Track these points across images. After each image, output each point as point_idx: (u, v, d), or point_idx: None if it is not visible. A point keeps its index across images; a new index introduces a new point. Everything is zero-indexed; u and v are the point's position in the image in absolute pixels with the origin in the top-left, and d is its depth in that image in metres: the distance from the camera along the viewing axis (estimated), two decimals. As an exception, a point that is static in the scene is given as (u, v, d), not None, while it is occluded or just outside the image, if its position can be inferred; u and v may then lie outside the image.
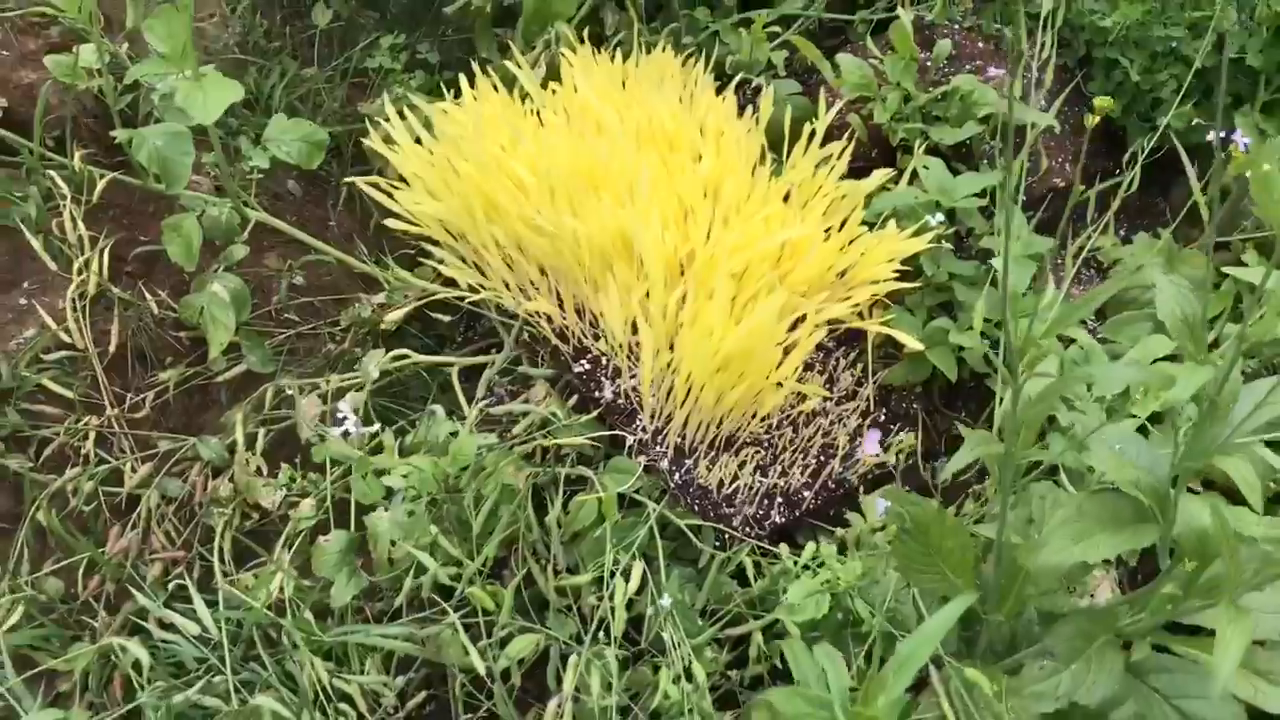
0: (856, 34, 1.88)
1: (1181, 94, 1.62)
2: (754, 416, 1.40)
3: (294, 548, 1.46)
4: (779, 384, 1.36)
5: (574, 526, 1.37)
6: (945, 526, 1.14)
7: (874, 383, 1.49)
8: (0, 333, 1.57)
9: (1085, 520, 1.02)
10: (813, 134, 1.53)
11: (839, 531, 1.39)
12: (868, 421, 1.49)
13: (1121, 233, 1.81)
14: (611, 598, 1.28)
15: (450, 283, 1.68)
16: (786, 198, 1.47)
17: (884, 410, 1.51)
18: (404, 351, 1.56)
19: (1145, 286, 1.60)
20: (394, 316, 1.57)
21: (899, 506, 1.14)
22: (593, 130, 1.55)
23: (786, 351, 1.34)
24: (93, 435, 1.55)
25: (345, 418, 1.34)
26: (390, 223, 1.60)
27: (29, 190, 1.58)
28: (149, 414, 1.61)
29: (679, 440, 1.41)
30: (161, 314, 1.65)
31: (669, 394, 1.39)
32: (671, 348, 1.37)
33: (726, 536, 1.39)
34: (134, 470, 1.54)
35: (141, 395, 1.61)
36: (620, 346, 1.45)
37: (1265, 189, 0.85)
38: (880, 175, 1.52)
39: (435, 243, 1.64)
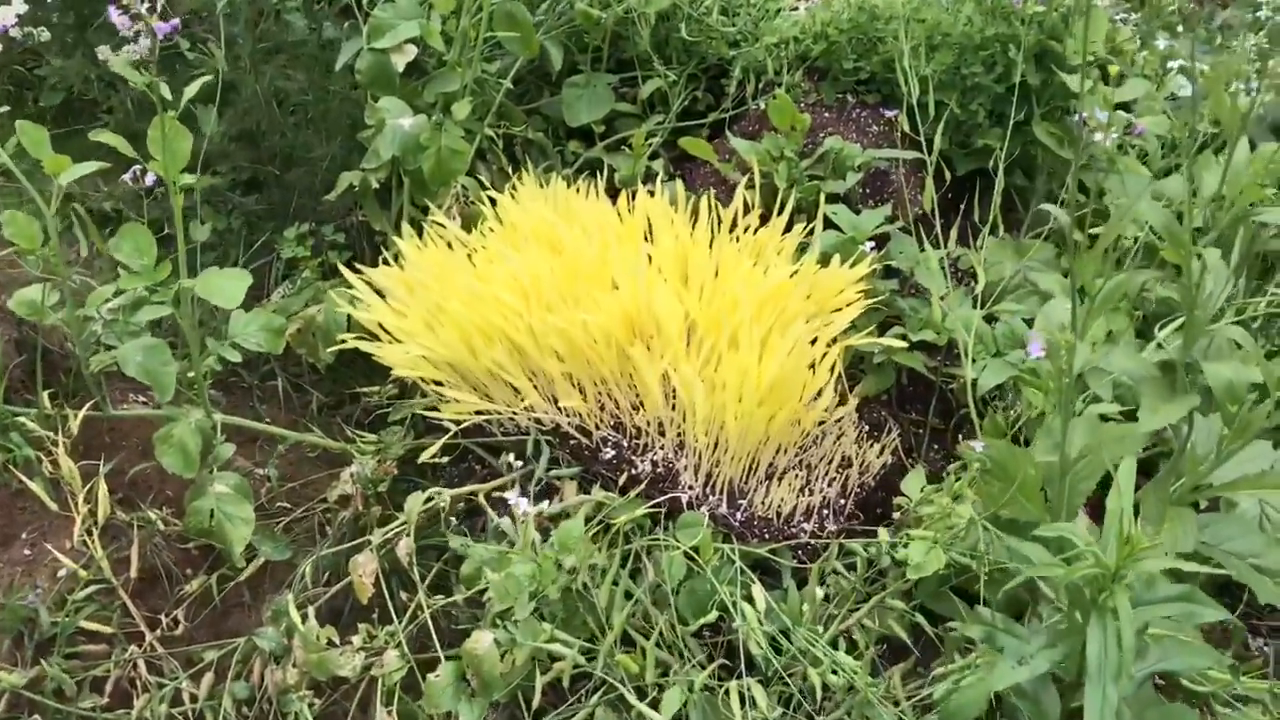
0: (700, 137, 2.16)
1: (989, 118, 1.99)
2: (792, 442, 1.57)
3: (394, 704, 1.47)
4: (815, 399, 1.54)
5: (672, 584, 1.47)
6: (1020, 459, 1.36)
7: (855, 396, 1.70)
8: (13, 587, 1.50)
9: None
10: (745, 208, 1.76)
11: (896, 515, 1.57)
12: (858, 431, 1.69)
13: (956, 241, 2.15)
14: (731, 631, 1.40)
15: (432, 427, 1.75)
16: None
17: (862, 421, 1.72)
18: (439, 489, 1.62)
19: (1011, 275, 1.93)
20: (431, 451, 1.62)
21: (984, 451, 1.34)
22: (546, 247, 1.71)
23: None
24: (142, 663, 1.50)
25: (512, 501, 1.39)
26: (400, 371, 1.67)
27: (11, 438, 1.54)
28: (185, 629, 1.57)
29: (728, 484, 1.55)
30: (168, 529, 1.63)
31: (715, 443, 1.54)
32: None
33: (801, 554, 1.53)
34: (194, 685, 1.50)
35: (173, 613, 1.57)
36: (650, 422, 1.58)
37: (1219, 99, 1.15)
38: (799, 228, 1.76)
39: (404, 392, 1.72)
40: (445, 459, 1.73)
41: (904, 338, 1.71)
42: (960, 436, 1.84)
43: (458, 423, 1.68)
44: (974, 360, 1.66)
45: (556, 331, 1.57)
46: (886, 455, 1.67)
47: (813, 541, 1.54)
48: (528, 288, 1.61)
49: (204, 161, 2.24)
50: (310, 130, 2.26)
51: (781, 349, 1.48)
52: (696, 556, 1.47)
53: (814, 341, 1.53)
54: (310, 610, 1.57)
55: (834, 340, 1.58)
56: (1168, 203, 1.85)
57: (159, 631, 1.55)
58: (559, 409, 1.61)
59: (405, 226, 1.98)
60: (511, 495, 1.42)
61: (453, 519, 1.70)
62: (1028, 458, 1.35)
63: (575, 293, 1.59)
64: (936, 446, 1.85)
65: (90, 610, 1.50)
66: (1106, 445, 1.30)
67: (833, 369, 1.55)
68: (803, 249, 1.77)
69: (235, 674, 1.54)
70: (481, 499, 1.67)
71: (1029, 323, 1.75)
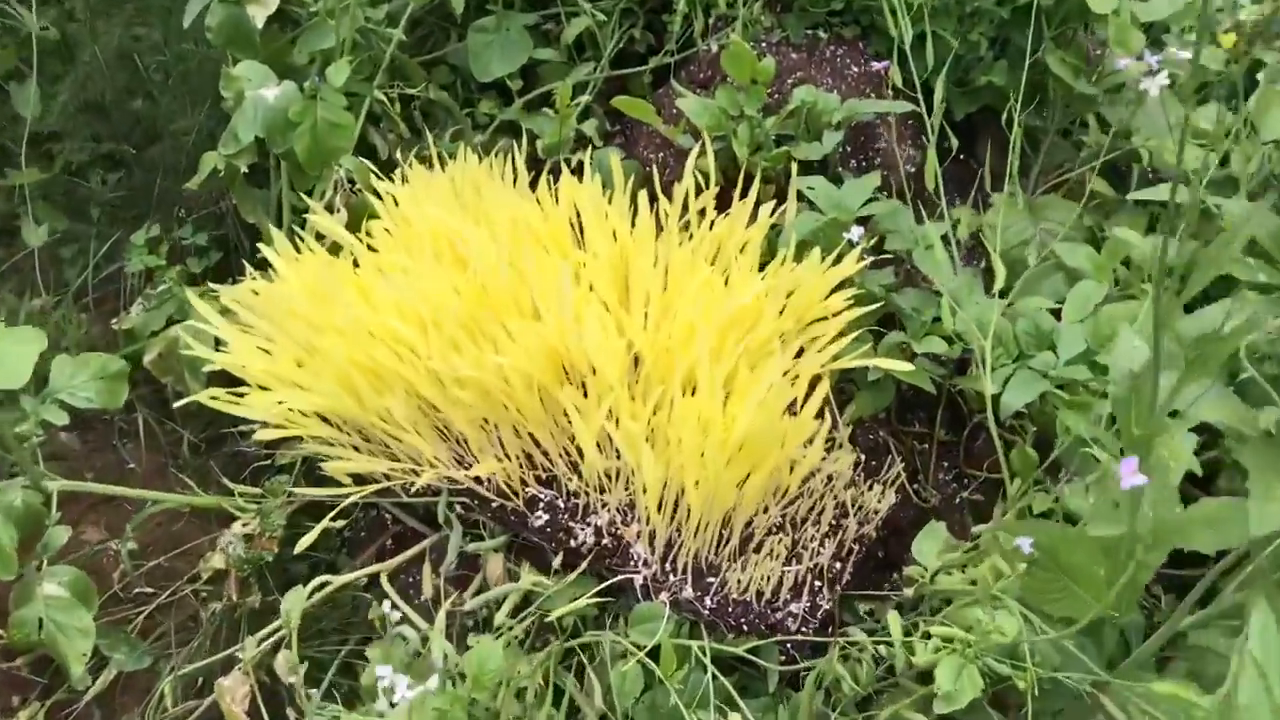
0: (641, 87, 1.77)
1: (992, 49, 1.61)
2: (773, 500, 1.23)
3: None
4: (798, 456, 1.20)
5: (624, 701, 1.14)
6: (1071, 542, 1.03)
7: (846, 423, 1.36)
8: None
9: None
10: (702, 189, 1.39)
11: (897, 593, 1.24)
12: (854, 465, 1.35)
13: (957, 201, 1.79)
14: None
15: (323, 481, 1.41)
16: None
17: (857, 448, 1.38)
18: (326, 579, 1.28)
19: (1023, 243, 1.57)
20: (307, 540, 1.27)
21: (1021, 535, 1.01)
22: (450, 257, 1.34)
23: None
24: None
25: (388, 683, 1.05)
26: (263, 434, 1.31)
27: None
28: (16, 775, 1.24)
29: (693, 559, 1.22)
30: (-15, 649, 1.29)
31: (674, 511, 1.20)
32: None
33: (791, 648, 1.21)
34: None
35: (-2, 757, 1.24)
36: (590, 481, 1.24)
37: None
38: (766, 213, 1.39)
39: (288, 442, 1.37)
40: (339, 523, 1.39)
41: (904, 347, 1.37)
42: (973, 449, 1.52)
43: (356, 476, 1.34)
44: (993, 369, 1.32)
45: (464, 377, 1.21)
46: (889, 494, 1.33)
47: (804, 631, 1.21)
48: (426, 317, 1.25)
49: (40, 144, 1.86)
50: (170, 97, 1.86)
51: (753, 392, 1.13)
52: (656, 663, 1.15)
53: (794, 379, 1.18)
54: (172, 742, 1.25)
55: (818, 374, 1.23)
56: (1205, 143, 1.51)
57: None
58: (469, 472, 1.26)
59: (282, 223, 1.60)
60: (383, 671, 1.07)
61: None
62: (1085, 542, 1.02)
63: (486, 322, 1.23)
64: (946, 464, 1.52)
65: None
66: (1192, 530, 0.97)
67: (821, 410, 1.20)
68: (774, 233, 1.41)
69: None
70: (384, 582, 1.33)
71: (1056, 314, 1.41)
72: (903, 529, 1.43)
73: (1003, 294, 1.40)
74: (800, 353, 1.25)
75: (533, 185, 1.50)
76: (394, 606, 1.24)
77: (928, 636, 1.11)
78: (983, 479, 1.50)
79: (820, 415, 1.20)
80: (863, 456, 1.38)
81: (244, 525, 1.43)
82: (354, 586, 1.36)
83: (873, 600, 1.34)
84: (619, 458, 1.22)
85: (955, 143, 1.51)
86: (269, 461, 1.50)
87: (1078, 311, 1.40)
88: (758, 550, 1.24)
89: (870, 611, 1.34)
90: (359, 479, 1.34)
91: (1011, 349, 1.38)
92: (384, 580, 1.32)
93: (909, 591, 1.19)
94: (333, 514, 1.29)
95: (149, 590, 1.42)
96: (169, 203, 1.80)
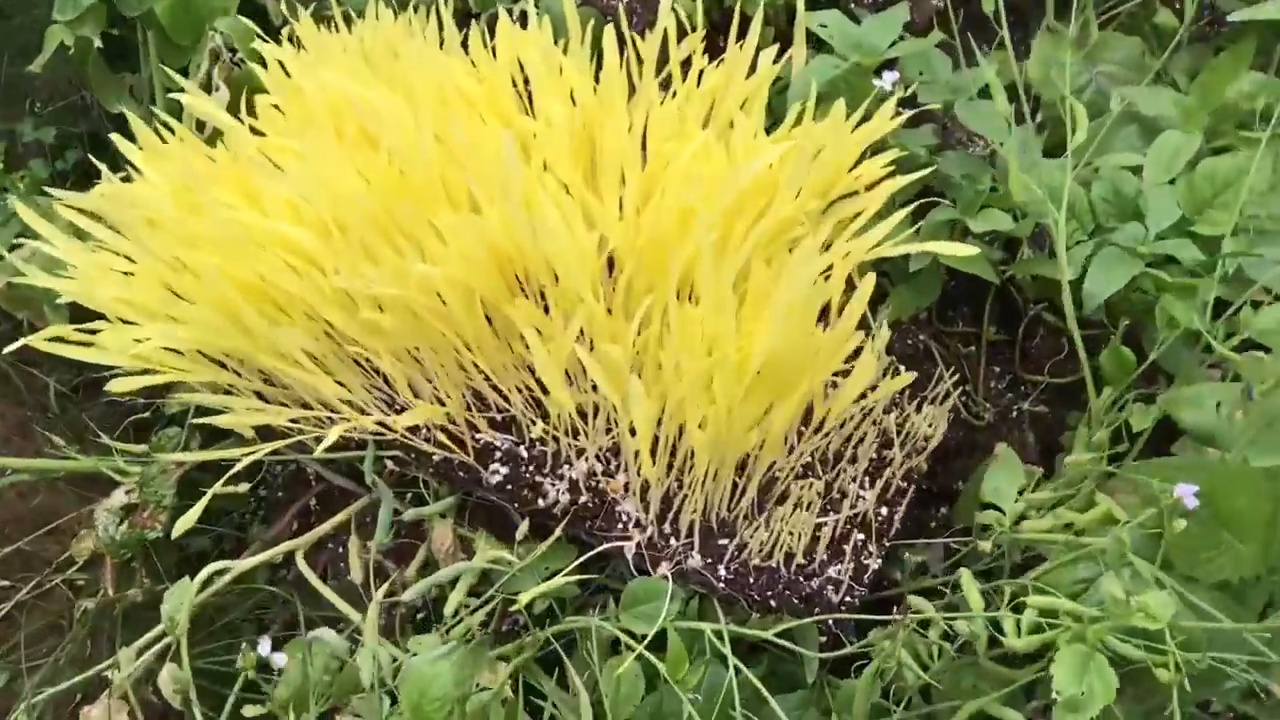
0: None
1: None
2: (799, 437, 0.94)
3: None
4: (835, 381, 0.91)
5: (621, 710, 0.86)
6: (1234, 481, 0.74)
7: (879, 326, 1.06)
8: None
9: None
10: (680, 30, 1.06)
11: (956, 538, 0.96)
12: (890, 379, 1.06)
13: (983, 49, 1.47)
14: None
15: (219, 434, 1.12)
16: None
17: (892, 358, 1.09)
18: (222, 565, 0.98)
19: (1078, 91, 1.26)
20: (188, 520, 0.96)
21: (1183, 480, 0.72)
22: (356, 136, 1.02)
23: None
24: None
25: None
26: (116, 385, 0.99)
27: None
28: None
29: (701, 515, 0.93)
30: None
31: (671, 457, 0.91)
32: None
33: (833, 625, 0.93)
34: None
35: None
36: (560, 421, 0.94)
37: None
38: (768, 60, 1.07)
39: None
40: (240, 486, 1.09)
41: (955, 226, 1.07)
42: (1030, 349, 1.23)
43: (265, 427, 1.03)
44: (1068, 248, 1.03)
45: (382, 295, 0.90)
46: (943, 416, 1.04)
47: (850, 601, 0.93)
48: (328, 217, 0.93)
49: None
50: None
51: (778, 295, 0.83)
52: (659, 656, 0.87)
53: (828, 274, 0.87)
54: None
55: (858, 267, 0.93)
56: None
57: None
58: (399, 420, 0.95)
59: (159, 106, 1.27)
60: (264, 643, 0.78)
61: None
62: (1249, 479, 0.74)
63: (408, 220, 0.92)
64: (998, 369, 1.23)
65: None
66: None
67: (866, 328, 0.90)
68: (780, 92, 1.10)
69: None
70: (300, 562, 1.03)
71: (1136, 170, 1.11)
72: (951, 452, 1.15)
73: (1056, 154, 1.11)
74: (828, 242, 0.95)
75: (464, 44, 1.16)
76: (298, 601, 0.95)
77: (1019, 607, 0.83)
78: (1044, 386, 1.21)
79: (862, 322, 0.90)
80: (901, 368, 1.09)
81: (127, 493, 1.13)
82: (268, 565, 1.07)
83: (922, 549, 1.07)
84: (596, 391, 0.92)
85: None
86: (154, 412, 1.19)
87: (1165, 170, 1.10)
88: (782, 501, 0.95)
89: (922, 566, 1.06)
90: (267, 430, 1.04)
91: (1086, 222, 1.08)
92: (300, 560, 1.03)
93: (985, 545, 0.91)
94: (225, 478, 0.98)
95: (6, 584, 1.12)
96: (18, 94, 1.46)
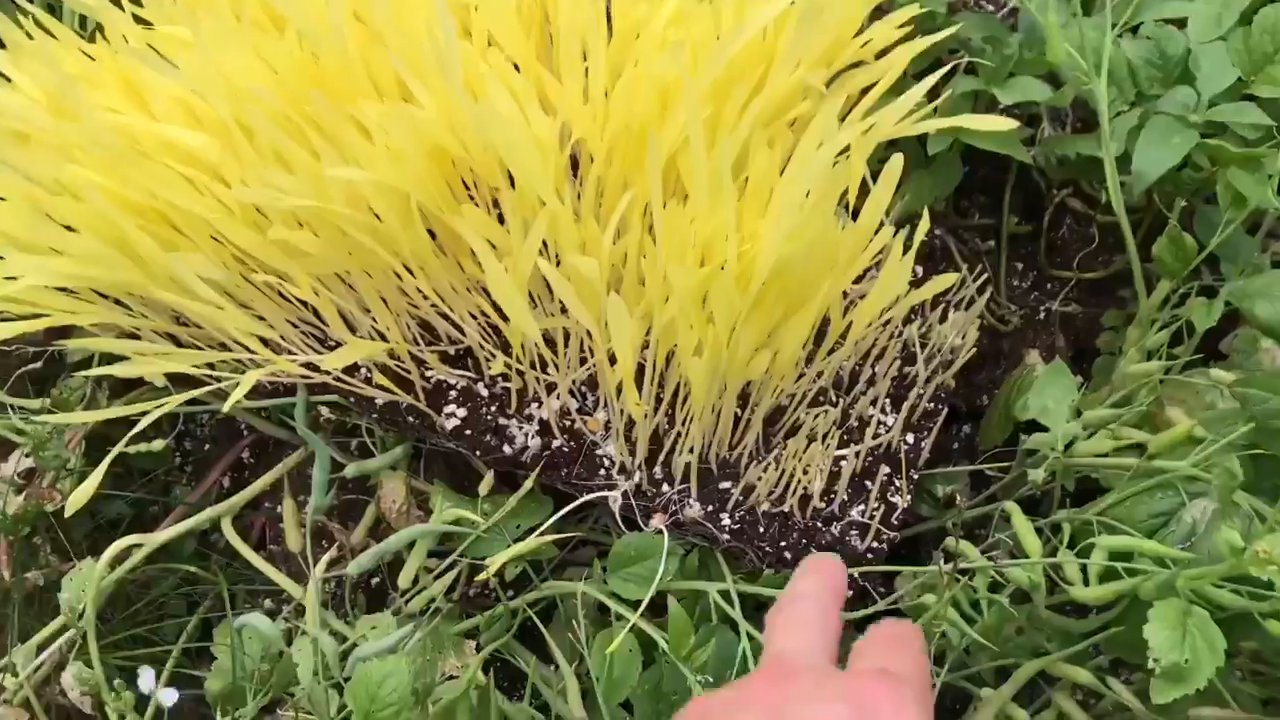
0: None
1: None
2: (810, 360, 0.79)
3: None
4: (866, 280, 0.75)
5: (612, 694, 0.72)
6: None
7: (892, 219, 0.90)
8: None
9: None
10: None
11: (992, 466, 0.82)
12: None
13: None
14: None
15: (133, 384, 0.96)
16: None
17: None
18: (135, 540, 0.83)
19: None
20: (84, 491, 0.80)
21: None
22: (260, 19, 0.84)
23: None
24: None
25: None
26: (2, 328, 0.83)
27: None
28: None
29: (699, 457, 0.78)
30: None
31: (658, 389, 0.76)
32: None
33: (861, 579, 0.79)
34: None
35: None
36: (523, 355, 0.79)
37: None
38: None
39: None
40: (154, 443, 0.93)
41: (979, 98, 0.91)
42: (1056, 240, 1.08)
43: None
44: (1111, 120, 0.87)
45: (298, 209, 0.73)
46: (972, 323, 0.90)
47: (877, 548, 0.79)
48: (229, 117, 0.76)
49: None
50: None
51: (787, 184, 0.67)
52: (654, 628, 0.73)
53: (844, 156, 0.71)
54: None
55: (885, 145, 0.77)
56: None
57: None
58: (329, 360, 0.79)
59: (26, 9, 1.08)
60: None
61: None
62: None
63: (326, 115, 0.75)
64: (1020, 265, 1.08)
65: None
66: None
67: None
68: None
69: None
70: (227, 529, 0.88)
71: (1181, 24, 0.96)
72: (972, 363, 1.00)
73: (1087, 11, 0.94)
74: (842, 118, 0.79)
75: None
76: (222, 580, 0.80)
77: (1080, 550, 0.69)
78: (1073, 282, 1.07)
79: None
80: (918, 270, 0.94)
81: (26, 454, 0.97)
82: (190, 533, 0.92)
83: (950, 479, 0.93)
84: (566, 313, 0.77)
85: None
86: (55, 362, 1.03)
87: (1214, 24, 0.94)
88: (793, 434, 0.80)
89: (950, 498, 0.92)
90: (188, 377, 0.88)
91: (1128, 88, 0.92)
92: (226, 527, 0.87)
93: (1038, 475, 0.76)
94: (129, 436, 0.82)
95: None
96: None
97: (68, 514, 0.75)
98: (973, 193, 1.07)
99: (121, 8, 0.89)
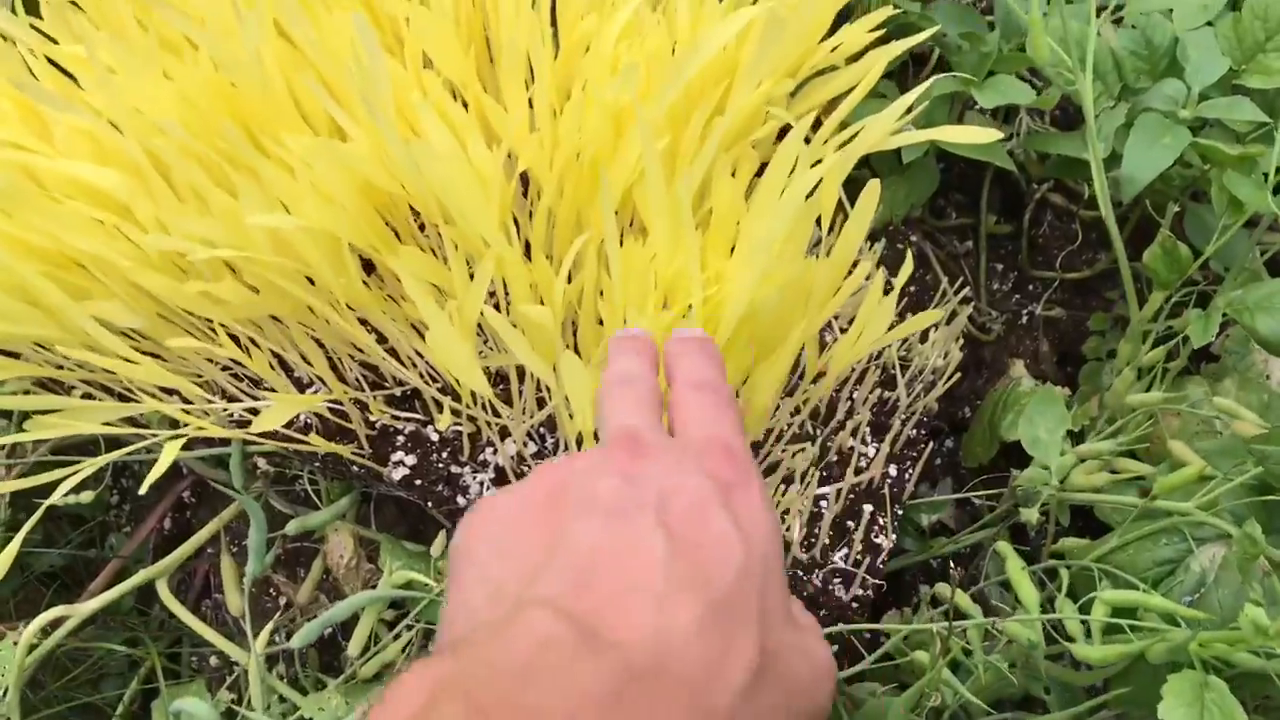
0: None
1: None
2: (787, 396, 0.74)
3: None
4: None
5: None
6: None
7: (869, 236, 0.85)
8: None
9: None
10: None
11: (979, 495, 0.77)
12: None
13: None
14: None
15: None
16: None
17: (881, 266, 0.88)
18: (60, 612, 0.76)
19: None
20: (8, 551, 0.73)
21: None
22: (175, 42, 0.76)
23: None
24: None
25: None
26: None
27: None
28: None
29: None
30: None
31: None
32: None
33: (847, 633, 0.74)
34: None
35: None
36: (471, 402, 0.73)
37: None
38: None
39: None
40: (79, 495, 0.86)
41: (956, 100, 0.85)
42: (1038, 239, 1.03)
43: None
44: (1096, 117, 0.82)
45: (221, 256, 0.66)
46: (954, 339, 0.84)
47: (863, 596, 0.73)
48: (140, 153, 0.69)
49: None
50: None
51: (754, 217, 0.61)
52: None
53: (814, 187, 0.65)
54: None
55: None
56: None
57: None
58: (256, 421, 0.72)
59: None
60: None
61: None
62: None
63: (245, 150, 0.68)
64: (1000, 267, 1.03)
65: None
66: None
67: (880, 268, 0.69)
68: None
69: None
70: (163, 591, 0.82)
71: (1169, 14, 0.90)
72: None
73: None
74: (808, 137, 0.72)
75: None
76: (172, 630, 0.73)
77: (1084, 606, 0.64)
78: (1056, 283, 1.02)
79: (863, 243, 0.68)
80: (887, 278, 0.88)
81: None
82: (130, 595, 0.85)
83: (935, 507, 0.87)
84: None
85: None
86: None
87: (1201, 8, 0.89)
88: (769, 474, 0.75)
89: (937, 525, 0.87)
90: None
91: (1113, 81, 0.87)
92: (162, 589, 0.81)
93: (1031, 513, 0.71)
94: (51, 498, 0.75)
95: None
96: None
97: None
98: (949, 191, 1.02)
99: (32, 28, 0.81)
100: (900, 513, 0.77)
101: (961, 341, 0.87)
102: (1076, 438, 0.81)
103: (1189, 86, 0.85)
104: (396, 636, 0.76)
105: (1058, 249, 1.01)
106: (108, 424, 0.74)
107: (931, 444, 0.81)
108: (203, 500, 0.98)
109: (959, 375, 0.93)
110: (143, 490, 0.64)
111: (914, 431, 0.80)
